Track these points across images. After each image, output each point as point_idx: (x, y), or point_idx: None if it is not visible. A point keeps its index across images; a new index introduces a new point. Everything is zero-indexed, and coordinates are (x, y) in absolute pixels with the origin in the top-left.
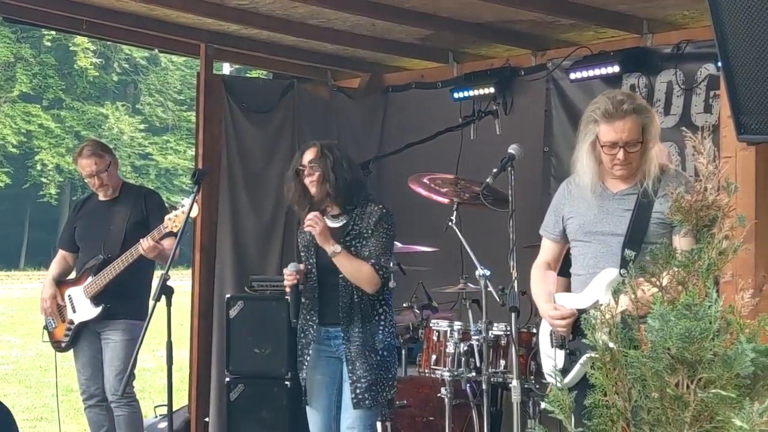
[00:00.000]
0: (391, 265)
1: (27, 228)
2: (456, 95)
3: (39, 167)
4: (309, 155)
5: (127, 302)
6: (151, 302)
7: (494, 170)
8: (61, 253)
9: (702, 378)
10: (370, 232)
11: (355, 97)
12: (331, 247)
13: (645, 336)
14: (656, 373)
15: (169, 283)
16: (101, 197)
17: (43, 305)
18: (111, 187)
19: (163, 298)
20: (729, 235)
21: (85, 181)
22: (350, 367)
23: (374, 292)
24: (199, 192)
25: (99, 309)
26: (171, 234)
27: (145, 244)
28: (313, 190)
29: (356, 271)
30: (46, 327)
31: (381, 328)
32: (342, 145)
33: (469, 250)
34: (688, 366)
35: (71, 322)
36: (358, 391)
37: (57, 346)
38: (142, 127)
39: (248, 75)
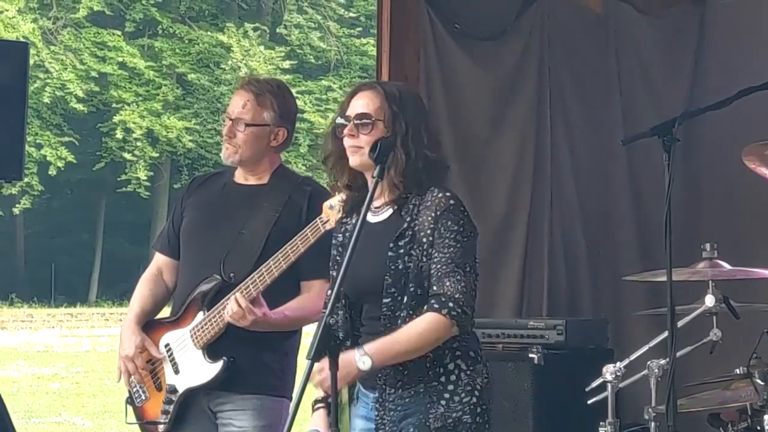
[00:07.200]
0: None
1: (101, 236)
2: None
3: (119, 134)
4: (361, 102)
5: (263, 359)
6: (305, 362)
7: None
8: (157, 261)
9: None
10: (429, 238)
11: (651, 11)
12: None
13: None
14: None
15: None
16: (238, 177)
17: (124, 365)
18: (250, 159)
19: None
20: None
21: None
22: None
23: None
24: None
25: (218, 366)
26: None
27: (232, 306)
28: (352, 160)
29: (414, 344)
30: (130, 400)
31: (446, 396)
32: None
33: None
34: None
35: (173, 390)
36: None
37: (150, 431)
38: (286, 64)
39: None
